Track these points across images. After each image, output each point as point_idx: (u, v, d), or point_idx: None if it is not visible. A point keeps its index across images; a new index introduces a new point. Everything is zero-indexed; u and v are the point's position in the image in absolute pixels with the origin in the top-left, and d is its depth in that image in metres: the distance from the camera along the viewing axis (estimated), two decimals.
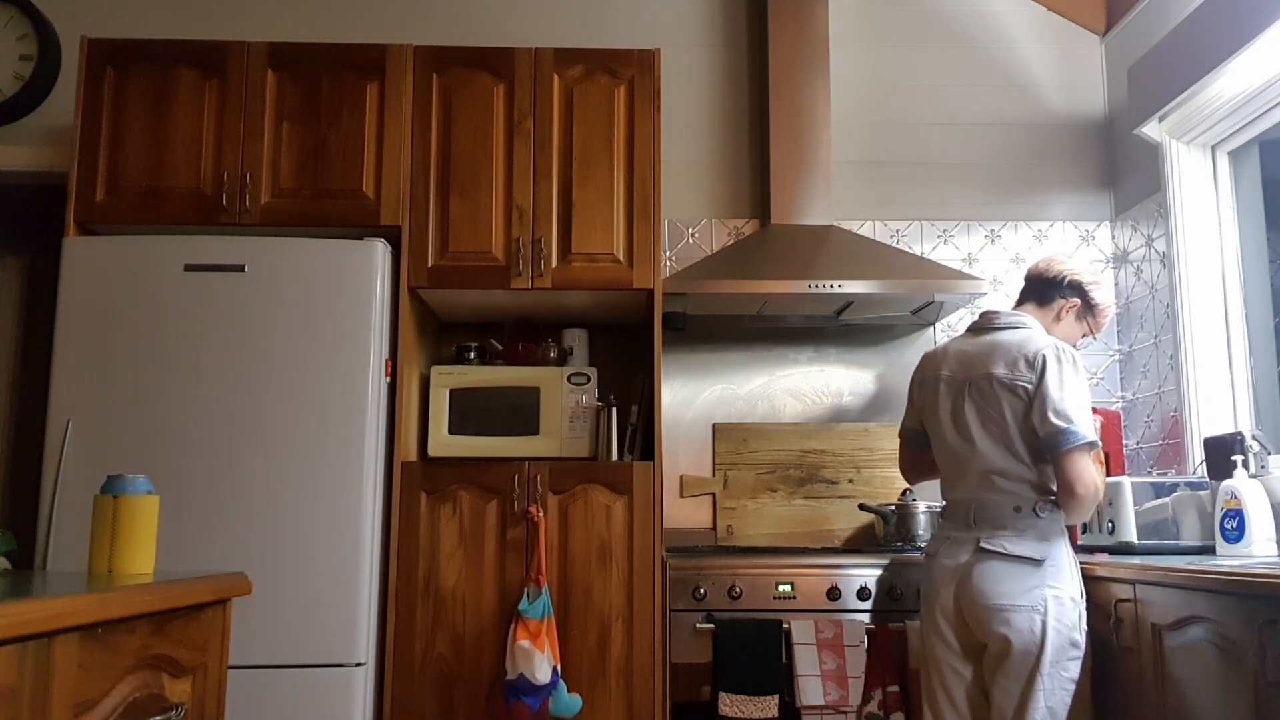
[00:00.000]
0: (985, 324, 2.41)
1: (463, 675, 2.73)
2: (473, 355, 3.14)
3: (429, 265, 2.92)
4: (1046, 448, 2.19)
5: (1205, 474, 2.78)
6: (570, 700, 2.65)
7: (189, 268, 2.75)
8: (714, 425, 3.40)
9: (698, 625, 2.69)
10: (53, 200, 3.01)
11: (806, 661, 2.61)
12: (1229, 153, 3.15)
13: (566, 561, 2.78)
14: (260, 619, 2.56)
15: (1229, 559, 2.41)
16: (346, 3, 3.55)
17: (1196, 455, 2.99)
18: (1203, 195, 3.15)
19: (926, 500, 3.30)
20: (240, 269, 2.75)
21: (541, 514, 2.77)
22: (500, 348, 3.18)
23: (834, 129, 3.48)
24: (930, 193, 3.55)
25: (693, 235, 3.49)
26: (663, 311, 3.04)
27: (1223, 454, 2.66)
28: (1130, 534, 2.70)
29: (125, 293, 2.73)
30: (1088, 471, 2.17)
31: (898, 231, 3.52)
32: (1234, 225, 3.13)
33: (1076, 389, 2.21)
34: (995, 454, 2.25)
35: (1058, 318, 2.41)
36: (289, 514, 2.65)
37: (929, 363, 2.47)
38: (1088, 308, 2.43)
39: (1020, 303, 2.47)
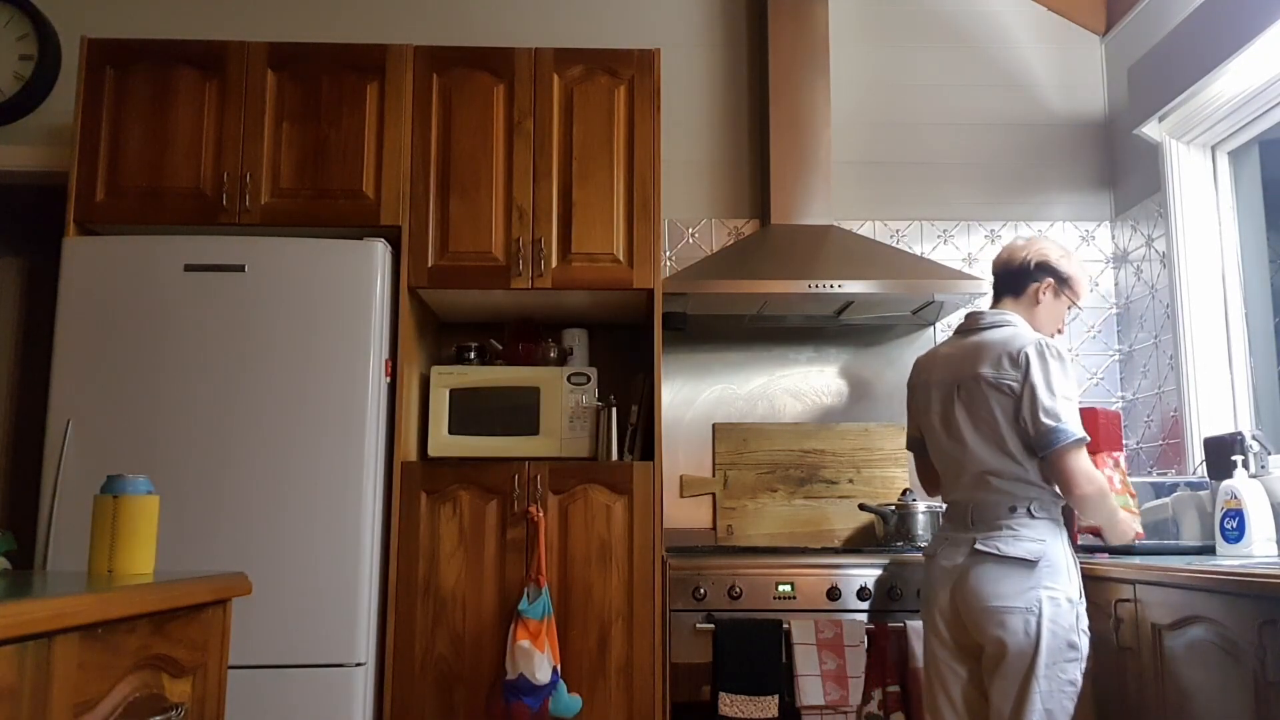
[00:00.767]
0: (970, 325, 2.38)
1: (463, 675, 2.73)
2: (473, 355, 3.14)
3: (429, 265, 2.92)
4: (1038, 447, 2.18)
5: (1205, 474, 2.78)
6: (570, 700, 2.65)
7: (189, 268, 2.75)
8: (714, 425, 3.40)
9: (698, 625, 2.69)
10: (53, 200, 3.01)
11: (806, 661, 2.61)
12: (1229, 153, 3.15)
13: (566, 561, 2.78)
14: (260, 619, 2.56)
15: (1229, 559, 2.41)
16: (346, 3, 3.55)
17: (1196, 455, 2.99)
18: (1203, 195, 3.15)
19: (926, 500, 3.30)
20: (240, 269, 2.75)
21: (541, 514, 2.77)
22: (500, 348, 3.18)
23: (834, 129, 3.48)
24: (930, 193, 3.55)
25: (693, 235, 3.49)
26: (663, 311, 3.04)
27: (1223, 454, 2.66)
28: None
29: (125, 293, 2.73)
30: (1083, 468, 2.15)
31: (898, 231, 3.52)
32: (1234, 225, 3.13)
33: (1063, 385, 2.19)
34: (988, 454, 2.24)
35: (1036, 301, 2.38)
36: (289, 514, 2.65)
37: (920, 369, 2.47)
38: (1061, 282, 2.38)
39: (997, 300, 2.44)
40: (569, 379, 3.00)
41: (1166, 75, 3.09)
